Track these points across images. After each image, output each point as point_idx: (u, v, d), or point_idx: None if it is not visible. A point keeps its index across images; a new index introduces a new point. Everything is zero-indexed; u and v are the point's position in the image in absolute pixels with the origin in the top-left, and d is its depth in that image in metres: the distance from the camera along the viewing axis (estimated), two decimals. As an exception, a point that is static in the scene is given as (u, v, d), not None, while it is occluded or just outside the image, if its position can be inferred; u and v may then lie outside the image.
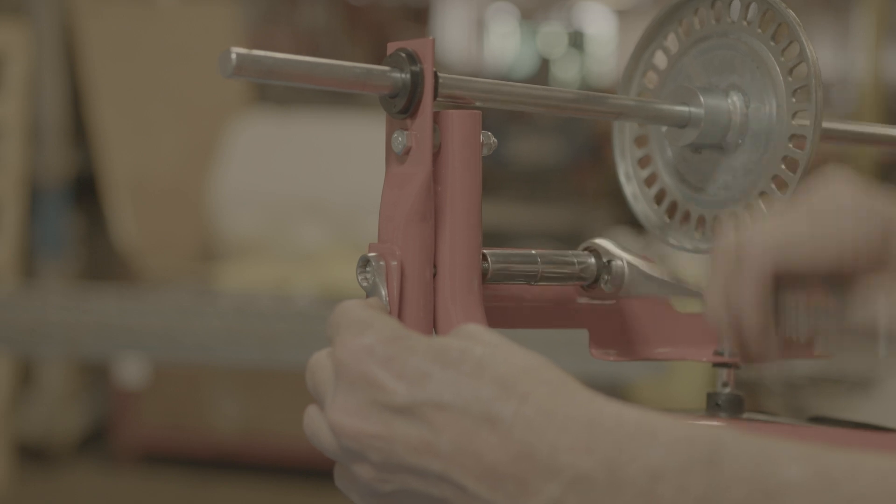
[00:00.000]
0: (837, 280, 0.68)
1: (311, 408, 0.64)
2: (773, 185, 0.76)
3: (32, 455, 3.61)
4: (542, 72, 10.40)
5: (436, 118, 0.68)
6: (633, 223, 0.94)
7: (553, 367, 0.60)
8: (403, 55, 0.67)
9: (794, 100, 0.75)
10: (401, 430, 0.59)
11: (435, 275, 0.69)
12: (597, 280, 0.75)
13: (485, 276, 0.71)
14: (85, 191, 3.74)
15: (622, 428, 0.56)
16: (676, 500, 0.54)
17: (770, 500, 0.53)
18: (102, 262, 3.83)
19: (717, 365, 0.80)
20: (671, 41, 0.82)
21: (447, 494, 0.59)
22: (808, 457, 0.54)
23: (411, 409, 0.59)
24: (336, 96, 4.42)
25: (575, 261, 0.74)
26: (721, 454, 0.55)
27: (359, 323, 0.62)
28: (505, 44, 11.57)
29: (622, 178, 0.84)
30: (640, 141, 0.84)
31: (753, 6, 0.77)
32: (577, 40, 11.49)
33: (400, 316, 0.68)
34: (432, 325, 0.69)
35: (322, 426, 0.63)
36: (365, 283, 0.68)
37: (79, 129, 3.70)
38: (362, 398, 0.60)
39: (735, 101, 0.77)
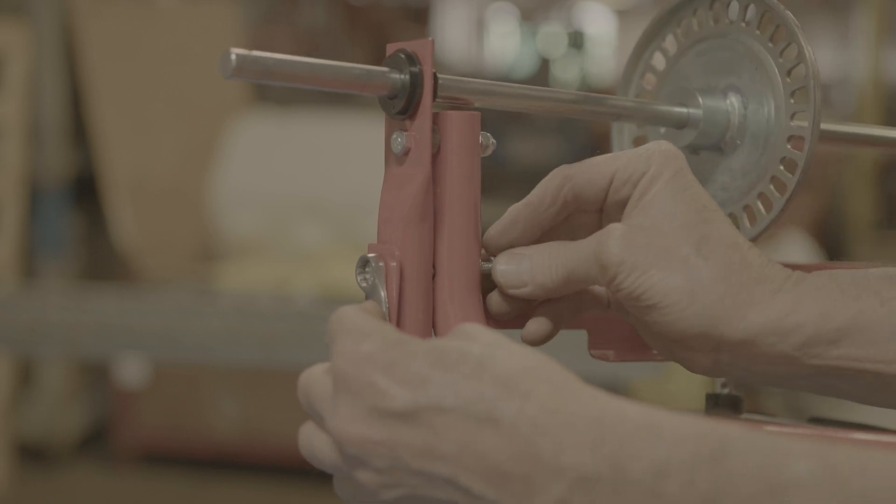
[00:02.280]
0: None
1: (306, 425, 0.64)
2: (771, 187, 0.76)
3: (32, 455, 3.60)
4: (542, 72, 10.38)
5: (435, 119, 0.68)
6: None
7: (554, 365, 0.59)
8: (403, 56, 0.67)
9: (792, 101, 0.75)
10: (404, 435, 0.59)
11: (434, 276, 0.69)
12: None
13: (484, 276, 0.71)
14: (85, 191, 3.74)
15: (626, 424, 0.56)
16: (683, 496, 0.54)
17: (778, 496, 0.53)
18: (102, 262, 3.82)
19: (715, 365, 0.80)
20: (670, 42, 0.82)
21: (453, 497, 0.59)
22: (816, 453, 0.54)
23: (414, 414, 0.59)
24: (336, 96, 4.42)
25: None
26: (728, 450, 0.55)
27: (356, 331, 0.61)
28: (505, 44, 11.56)
29: (621, 179, 0.83)
30: (639, 142, 0.83)
31: (752, 7, 0.77)
32: (577, 40, 11.47)
33: (399, 317, 0.68)
34: (431, 326, 0.69)
35: (320, 441, 0.62)
36: (364, 284, 0.68)
37: (79, 129, 3.70)
38: (365, 405, 0.60)
39: (733, 102, 0.77)
